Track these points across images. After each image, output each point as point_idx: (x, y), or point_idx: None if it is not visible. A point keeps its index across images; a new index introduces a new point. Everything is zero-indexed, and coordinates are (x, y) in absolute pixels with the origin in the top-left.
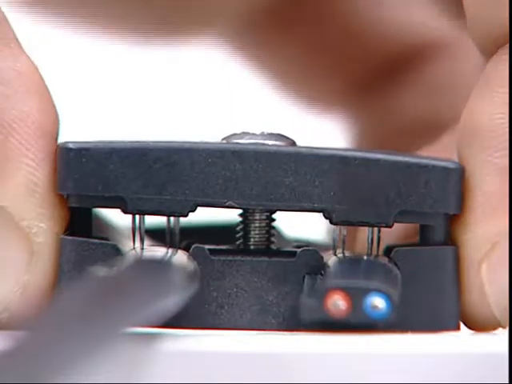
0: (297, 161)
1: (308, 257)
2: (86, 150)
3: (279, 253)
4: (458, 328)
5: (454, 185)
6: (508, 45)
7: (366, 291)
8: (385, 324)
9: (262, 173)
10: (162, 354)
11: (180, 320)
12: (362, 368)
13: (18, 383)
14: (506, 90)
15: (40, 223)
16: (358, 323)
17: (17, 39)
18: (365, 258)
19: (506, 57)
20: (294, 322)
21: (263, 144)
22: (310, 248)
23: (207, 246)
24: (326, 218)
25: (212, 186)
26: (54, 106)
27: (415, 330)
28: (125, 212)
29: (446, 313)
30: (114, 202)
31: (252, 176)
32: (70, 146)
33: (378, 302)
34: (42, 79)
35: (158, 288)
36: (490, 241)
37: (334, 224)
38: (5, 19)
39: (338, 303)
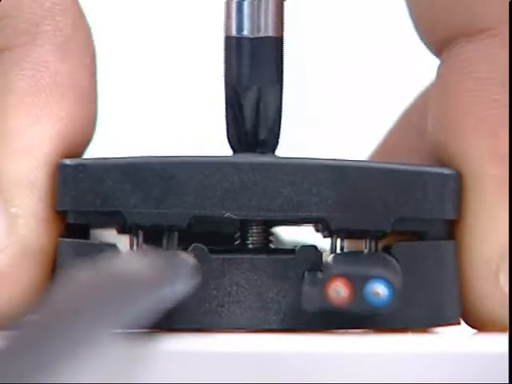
0: (293, 171)
1: (307, 253)
2: (83, 166)
3: (278, 250)
4: (458, 322)
5: (450, 190)
6: (456, 46)
7: (368, 278)
8: (386, 312)
9: (260, 184)
10: (162, 353)
11: (181, 319)
12: (363, 368)
13: (9, 383)
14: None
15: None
16: (359, 311)
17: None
18: (365, 251)
19: (459, 63)
20: (294, 319)
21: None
22: (309, 245)
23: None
24: (325, 227)
25: (210, 198)
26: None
27: (416, 325)
28: (123, 229)
29: (447, 307)
30: (112, 217)
31: (249, 187)
32: (67, 162)
33: (379, 289)
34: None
35: (157, 283)
36: (499, 253)
37: (333, 233)
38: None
39: (339, 290)
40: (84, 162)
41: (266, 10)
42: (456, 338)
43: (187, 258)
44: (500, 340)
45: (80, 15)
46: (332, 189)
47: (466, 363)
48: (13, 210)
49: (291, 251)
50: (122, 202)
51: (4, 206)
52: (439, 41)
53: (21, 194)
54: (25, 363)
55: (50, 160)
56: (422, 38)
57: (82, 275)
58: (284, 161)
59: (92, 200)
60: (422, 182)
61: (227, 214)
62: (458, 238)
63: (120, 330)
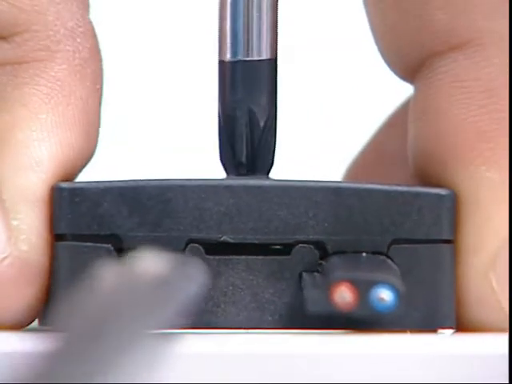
0: (290, 194)
1: (303, 253)
2: (79, 189)
3: (274, 250)
4: (455, 325)
5: (447, 211)
6: (432, 64)
7: (373, 283)
8: (390, 318)
9: (256, 207)
10: (161, 355)
11: (176, 319)
12: (362, 368)
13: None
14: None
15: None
16: (363, 316)
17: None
18: (363, 254)
19: (439, 76)
20: (290, 319)
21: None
22: (306, 245)
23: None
24: (321, 250)
25: (206, 221)
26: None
27: (412, 327)
28: (120, 250)
29: (444, 310)
30: (109, 240)
31: (246, 210)
32: (63, 185)
33: (384, 294)
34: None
35: (183, 283)
36: (493, 258)
37: (329, 255)
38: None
39: (344, 295)
40: (80, 185)
41: (260, 31)
42: (456, 338)
43: (194, 261)
44: (500, 341)
45: (96, 40)
46: (328, 211)
47: (466, 364)
48: (15, 222)
49: (287, 251)
50: (118, 225)
51: (5, 216)
52: (411, 64)
53: (26, 208)
54: (74, 366)
55: (52, 180)
56: (390, 65)
57: (112, 277)
58: (280, 183)
59: (88, 223)
60: (418, 203)
61: (223, 238)
62: (454, 241)
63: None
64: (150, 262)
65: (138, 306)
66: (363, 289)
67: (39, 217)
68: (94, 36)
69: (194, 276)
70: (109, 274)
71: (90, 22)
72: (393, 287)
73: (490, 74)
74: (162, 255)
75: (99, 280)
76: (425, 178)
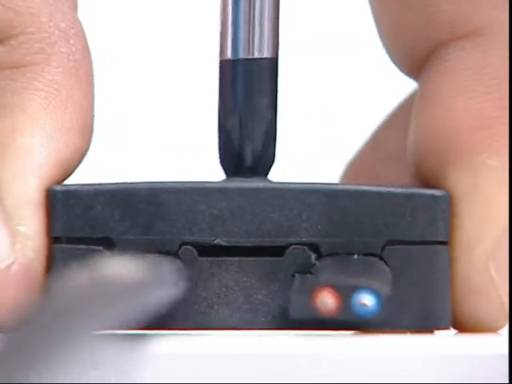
0: (283, 196)
1: (296, 255)
2: (73, 192)
3: (268, 251)
4: (450, 326)
5: (441, 212)
6: (439, 54)
7: (355, 288)
8: (374, 322)
9: (249, 209)
10: (152, 355)
11: (170, 321)
12: (363, 369)
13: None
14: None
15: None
16: (346, 321)
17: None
18: (355, 256)
19: (445, 63)
20: (283, 321)
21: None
22: (299, 246)
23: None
24: (315, 252)
25: (199, 224)
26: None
27: (407, 329)
28: (112, 253)
29: (440, 311)
30: (102, 243)
31: (238, 213)
32: (57, 188)
33: (366, 300)
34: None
35: (141, 286)
36: (492, 249)
37: (323, 257)
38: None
39: (326, 301)
40: (74, 187)
41: (262, 29)
42: (456, 338)
43: (174, 262)
44: (500, 341)
45: (86, 42)
46: (322, 213)
47: (466, 364)
48: (22, 229)
49: (280, 252)
50: (111, 228)
51: (8, 222)
52: (417, 57)
53: (29, 214)
54: (14, 364)
55: (50, 184)
56: (396, 60)
57: (67, 280)
58: (273, 186)
59: (82, 226)
60: (412, 204)
61: (216, 241)
62: (450, 235)
63: (107, 331)
64: (116, 266)
65: (86, 307)
66: (345, 294)
67: (42, 222)
68: (85, 37)
69: (164, 279)
70: (72, 277)
71: (80, 23)
72: (375, 292)
73: (495, 63)
74: (135, 258)
75: (60, 282)
76: (424, 172)
